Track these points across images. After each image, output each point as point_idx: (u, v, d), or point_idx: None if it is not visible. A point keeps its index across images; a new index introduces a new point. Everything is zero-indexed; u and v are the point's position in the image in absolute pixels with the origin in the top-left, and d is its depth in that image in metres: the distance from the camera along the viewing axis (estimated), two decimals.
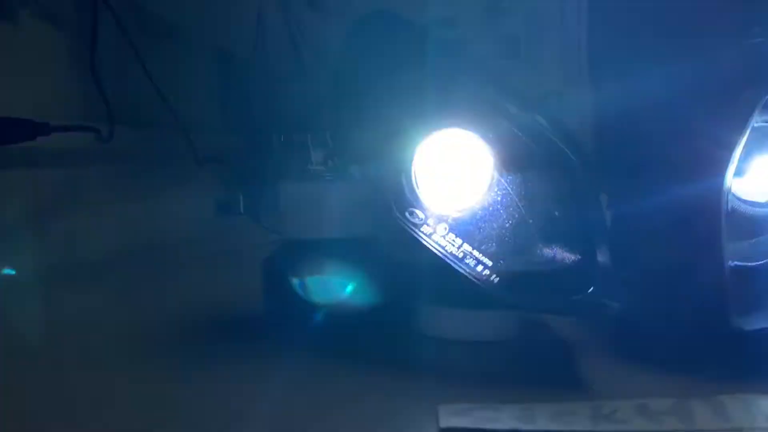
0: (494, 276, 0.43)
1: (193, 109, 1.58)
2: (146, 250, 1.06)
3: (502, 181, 0.47)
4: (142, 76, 1.17)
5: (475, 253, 0.44)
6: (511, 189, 0.46)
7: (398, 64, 0.55)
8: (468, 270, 0.43)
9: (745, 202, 0.51)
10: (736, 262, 0.47)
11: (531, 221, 0.45)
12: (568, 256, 0.44)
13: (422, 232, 0.45)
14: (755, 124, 0.50)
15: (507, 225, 0.45)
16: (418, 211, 0.47)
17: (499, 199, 0.46)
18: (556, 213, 0.45)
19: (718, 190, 0.46)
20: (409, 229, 0.46)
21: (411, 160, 0.50)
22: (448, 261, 0.44)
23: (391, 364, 0.48)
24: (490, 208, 0.46)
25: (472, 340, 0.50)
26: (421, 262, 0.47)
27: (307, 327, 0.56)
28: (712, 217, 0.46)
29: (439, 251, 0.44)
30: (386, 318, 0.55)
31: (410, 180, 0.49)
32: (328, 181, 0.57)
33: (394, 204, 0.47)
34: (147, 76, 1.18)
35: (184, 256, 1.03)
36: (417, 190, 0.48)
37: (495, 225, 0.45)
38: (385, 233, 0.51)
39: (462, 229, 0.45)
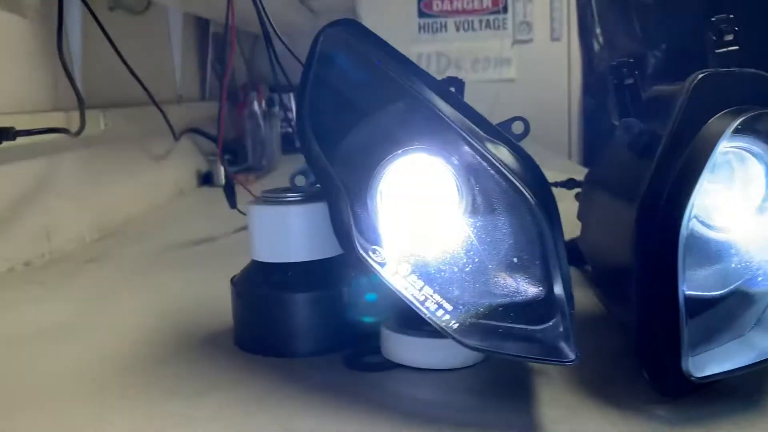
0: (453, 322, 0.43)
1: (167, 84, 1.56)
2: (122, 241, 1.06)
3: (465, 221, 0.48)
4: (113, 56, 1.15)
5: (436, 296, 0.44)
6: (473, 231, 0.47)
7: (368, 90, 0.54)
8: (428, 314, 0.44)
9: (708, 226, 0.51)
10: (692, 292, 0.48)
11: (490, 266, 0.45)
12: (526, 300, 0.45)
13: (385, 271, 0.46)
14: (722, 150, 0.50)
15: (467, 269, 0.45)
16: (380, 250, 0.47)
17: (460, 241, 0.46)
18: (515, 259, 0.45)
19: (677, 217, 0.46)
20: (372, 268, 0.46)
21: (375, 188, 0.50)
22: (409, 303, 0.44)
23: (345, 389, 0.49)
24: (452, 251, 0.46)
25: (436, 368, 0.51)
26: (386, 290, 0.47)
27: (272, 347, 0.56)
28: (670, 245, 0.45)
29: (401, 293, 0.45)
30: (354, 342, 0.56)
31: (373, 213, 0.49)
32: (296, 203, 0.57)
33: (357, 242, 0.47)
34: (118, 56, 1.15)
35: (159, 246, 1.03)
36: (378, 226, 0.48)
37: (456, 269, 0.45)
38: (351, 259, 0.51)
39: (424, 271, 0.45)
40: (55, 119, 0.96)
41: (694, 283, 0.49)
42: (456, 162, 0.51)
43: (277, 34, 1.19)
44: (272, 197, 0.58)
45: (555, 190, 0.90)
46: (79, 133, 0.94)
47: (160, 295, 0.77)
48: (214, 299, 0.69)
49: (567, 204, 0.83)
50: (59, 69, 0.98)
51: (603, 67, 2.41)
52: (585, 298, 0.65)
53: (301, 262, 0.57)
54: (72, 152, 1.05)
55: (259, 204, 0.58)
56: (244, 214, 0.62)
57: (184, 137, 1.58)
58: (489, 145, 0.49)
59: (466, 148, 0.49)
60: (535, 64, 2.40)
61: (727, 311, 0.48)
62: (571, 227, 0.63)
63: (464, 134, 0.48)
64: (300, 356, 0.56)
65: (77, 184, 1.08)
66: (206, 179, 1.70)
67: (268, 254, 0.57)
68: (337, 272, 0.57)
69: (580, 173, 0.82)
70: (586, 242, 0.62)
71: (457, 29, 2.42)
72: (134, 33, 1.34)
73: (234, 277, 0.60)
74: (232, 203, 1.04)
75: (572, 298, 0.49)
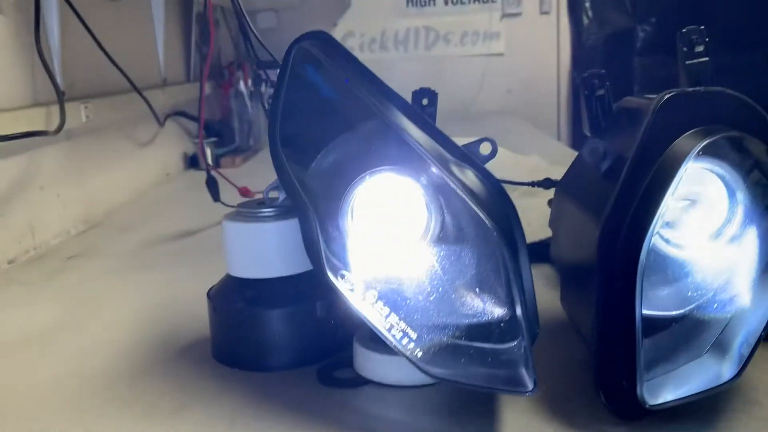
0: (418, 350, 0.45)
1: (151, 68, 1.54)
2: (105, 234, 1.06)
3: (431, 250, 0.49)
4: (94, 45, 1.14)
5: (402, 324, 0.46)
6: (438, 260, 0.48)
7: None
8: (394, 342, 0.45)
9: (671, 244, 0.52)
10: (651, 311, 0.49)
11: (455, 293, 0.46)
12: (493, 320, 0.46)
13: (353, 297, 0.47)
14: (688, 170, 0.51)
15: (432, 298, 0.46)
16: (348, 275, 0.48)
17: (426, 270, 0.47)
18: (481, 281, 0.46)
19: (639, 239, 0.46)
20: (339, 294, 0.47)
21: (345, 209, 0.51)
22: (375, 330, 0.46)
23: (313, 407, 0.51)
24: (418, 279, 0.47)
25: (405, 384, 0.52)
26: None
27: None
28: (631, 266, 0.46)
29: (368, 319, 0.46)
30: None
31: (344, 235, 0.50)
32: (270, 220, 0.58)
33: (326, 265, 0.48)
34: (97, 44, 1.14)
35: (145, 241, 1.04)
36: (348, 251, 0.49)
37: (421, 297, 0.47)
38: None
39: (390, 298, 0.47)
40: (35, 115, 0.96)
41: (655, 302, 0.50)
42: (425, 182, 0.51)
43: (242, 11, 1.17)
44: (246, 212, 0.59)
45: (532, 190, 0.91)
46: (59, 130, 0.94)
47: (141, 298, 0.78)
48: (196, 302, 0.70)
49: (544, 200, 0.84)
50: (38, 62, 0.98)
51: (592, 41, 2.39)
52: (558, 303, 0.66)
53: (276, 278, 0.58)
54: (54, 146, 1.05)
55: (234, 220, 0.58)
56: (228, 206, 0.63)
57: (169, 121, 1.57)
58: (454, 168, 0.50)
59: (433, 170, 0.50)
60: (524, 38, 2.39)
61: (686, 331, 0.50)
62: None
63: (429, 158, 0.49)
64: (275, 370, 0.57)
65: (60, 178, 1.08)
66: (193, 162, 1.70)
67: (243, 270, 0.58)
68: (312, 286, 0.58)
69: (567, 159, 0.83)
70: (555, 252, 0.63)
71: (446, 3, 2.39)
72: (115, 18, 1.32)
73: (211, 289, 0.61)
74: (215, 197, 1.05)
75: (537, 318, 0.51)
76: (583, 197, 0.58)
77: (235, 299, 0.58)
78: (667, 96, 0.53)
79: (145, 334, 0.67)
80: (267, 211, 0.58)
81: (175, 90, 1.61)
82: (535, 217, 0.84)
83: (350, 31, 2.39)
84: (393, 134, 0.51)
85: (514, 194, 1.03)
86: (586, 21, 2.36)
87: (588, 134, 0.67)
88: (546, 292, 0.68)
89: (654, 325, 0.50)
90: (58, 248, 1.02)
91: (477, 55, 2.38)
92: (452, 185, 0.47)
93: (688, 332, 0.49)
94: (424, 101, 0.64)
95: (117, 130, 1.33)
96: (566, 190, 0.63)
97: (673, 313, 0.50)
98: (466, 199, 0.47)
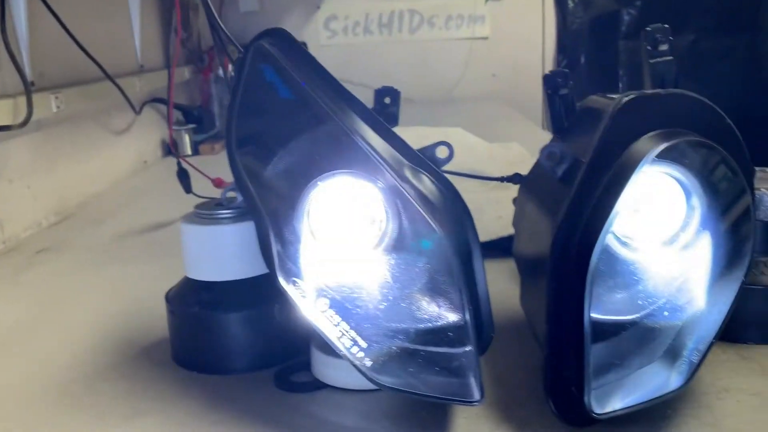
0: (368, 359, 0.44)
1: (127, 54, 1.52)
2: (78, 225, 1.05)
3: (384, 258, 0.48)
4: (63, 33, 1.12)
5: (352, 333, 0.45)
6: (392, 267, 0.47)
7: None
8: (344, 350, 0.45)
9: (628, 247, 0.52)
10: (605, 316, 0.49)
11: (405, 301, 0.46)
12: (446, 325, 0.46)
13: (304, 304, 0.46)
14: (646, 173, 0.51)
15: (384, 306, 0.46)
16: (301, 283, 0.47)
17: (378, 279, 0.47)
18: (432, 294, 0.46)
19: (591, 244, 0.46)
20: (291, 300, 0.47)
21: (301, 213, 0.50)
22: (325, 338, 0.45)
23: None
24: (371, 287, 0.47)
25: (361, 389, 0.52)
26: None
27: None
28: (584, 269, 0.46)
29: (318, 327, 0.46)
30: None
31: (298, 242, 0.49)
32: (227, 222, 0.57)
33: (280, 271, 0.48)
34: (65, 30, 1.12)
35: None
36: (301, 258, 0.48)
37: (373, 305, 0.46)
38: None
39: (342, 306, 0.46)
40: (2, 108, 0.94)
41: (609, 306, 0.50)
42: (382, 186, 0.51)
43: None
44: (203, 214, 0.58)
45: (502, 185, 0.91)
46: (24, 123, 0.93)
47: (107, 296, 0.78)
48: (162, 300, 0.69)
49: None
50: (4, 53, 0.96)
51: (578, 25, 2.37)
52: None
53: (233, 281, 0.57)
54: (23, 137, 1.03)
55: (190, 222, 0.58)
56: (200, 197, 0.62)
57: (148, 108, 1.56)
58: (408, 173, 0.50)
59: (387, 175, 0.49)
60: (509, 21, 2.37)
61: (639, 336, 0.50)
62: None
63: (381, 162, 0.48)
64: (233, 373, 0.57)
65: (31, 169, 1.07)
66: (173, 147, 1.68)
67: (200, 272, 0.58)
68: (269, 289, 0.57)
69: None
70: (516, 251, 0.63)
71: None
72: (88, 4, 1.30)
73: (169, 291, 0.61)
74: (187, 188, 1.04)
75: (491, 323, 0.51)
76: (542, 199, 0.57)
77: (192, 302, 0.58)
78: (625, 99, 0.52)
79: (108, 334, 0.67)
80: (224, 212, 0.58)
81: (153, 77, 1.58)
82: (507, 210, 0.84)
83: (333, 14, 2.36)
84: (347, 138, 0.51)
85: (488, 187, 1.03)
86: (571, 4, 2.34)
87: (551, 133, 0.67)
88: (512, 288, 0.68)
89: (608, 330, 0.49)
90: (28, 241, 1.01)
91: (461, 39, 2.36)
92: (402, 190, 0.47)
93: (641, 338, 0.49)
94: (387, 100, 0.63)
95: (91, 119, 1.31)
96: (528, 190, 0.63)
97: (628, 318, 0.50)
98: (415, 204, 0.46)
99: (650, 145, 0.49)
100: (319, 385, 0.54)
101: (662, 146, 0.48)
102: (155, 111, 1.64)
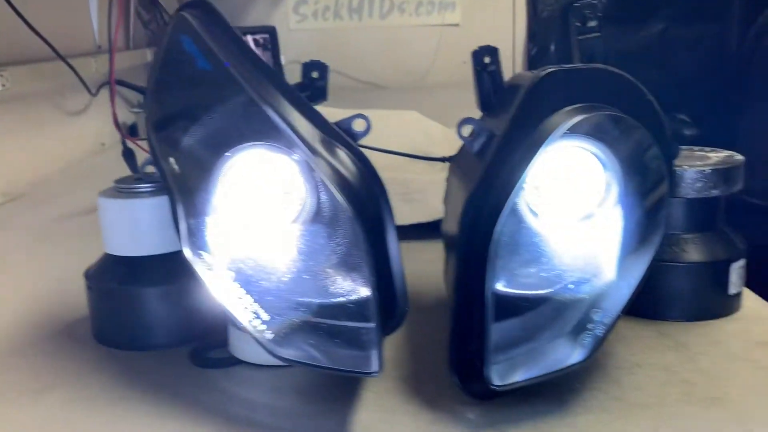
0: (269, 331, 0.44)
1: (84, 34, 1.50)
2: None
3: (299, 231, 0.48)
4: (9, 11, 1.10)
5: (255, 305, 0.45)
6: (305, 241, 0.47)
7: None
8: (245, 323, 0.44)
9: (540, 222, 0.51)
10: (516, 290, 0.48)
11: (320, 276, 0.45)
12: (356, 300, 0.45)
13: (208, 276, 0.46)
14: (564, 148, 0.50)
15: (291, 279, 0.45)
16: (206, 255, 0.47)
17: (291, 251, 0.46)
18: (346, 269, 0.45)
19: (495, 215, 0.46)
20: (196, 272, 0.46)
21: (213, 185, 0.50)
22: (227, 311, 0.45)
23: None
24: (279, 260, 0.46)
25: (275, 364, 0.51)
26: None
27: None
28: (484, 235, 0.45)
29: (221, 298, 0.45)
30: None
31: (207, 214, 0.49)
32: (144, 196, 0.56)
33: (186, 245, 0.47)
34: (10, 6, 1.10)
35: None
36: (208, 230, 0.47)
37: (275, 279, 0.46)
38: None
39: (246, 278, 0.46)
40: None
41: (522, 280, 0.50)
42: (298, 159, 0.50)
43: None
44: (122, 188, 0.57)
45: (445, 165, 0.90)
46: None
47: (40, 275, 0.76)
48: None
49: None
50: None
51: (548, 13, 2.37)
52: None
53: (151, 256, 0.56)
54: None
55: (107, 196, 0.57)
56: None
57: (106, 89, 1.53)
58: (321, 147, 0.49)
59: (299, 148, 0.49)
60: (479, 9, 2.36)
61: (552, 311, 0.49)
62: None
63: (291, 135, 0.47)
64: (152, 349, 0.56)
65: None
66: (132, 131, 1.66)
67: (118, 247, 0.57)
68: (188, 264, 0.57)
69: None
70: (443, 229, 0.63)
71: None
72: None
73: (89, 268, 0.60)
74: (133, 168, 1.03)
75: (405, 298, 0.50)
76: (463, 175, 0.57)
77: (109, 278, 0.57)
78: (543, 73, 0.52)
79: (34, 312, 0.66)
80: (142, 186, 0.57)
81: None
82: None
83: None
84: (259, 109, 0.50)
85: (435, 169, 1.02)
86: None
87: (479, 110, 0.66)
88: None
89: (521, 304, 0.49)
90: None
91: (432, 26, 2.35)
92: (312, 164, 0.46)
93: (553, 312, 0.49)
94: (314, 74, 0.63)
95: (43, 99, 1.29)
96: (455, 168, 0.63)
97: (541, 292, 0.50)
98: (324, 178, 0.46)
99: (565, 119, 0.49)
100: (234, 362, 0.53)
101: (574, 119, 0.48)
102: (115, 93, 1.61)
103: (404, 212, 0.87)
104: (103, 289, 0.57)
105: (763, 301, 0.62)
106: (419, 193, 0.94)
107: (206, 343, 0.56)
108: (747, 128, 1.36)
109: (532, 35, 2.49)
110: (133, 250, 0.56)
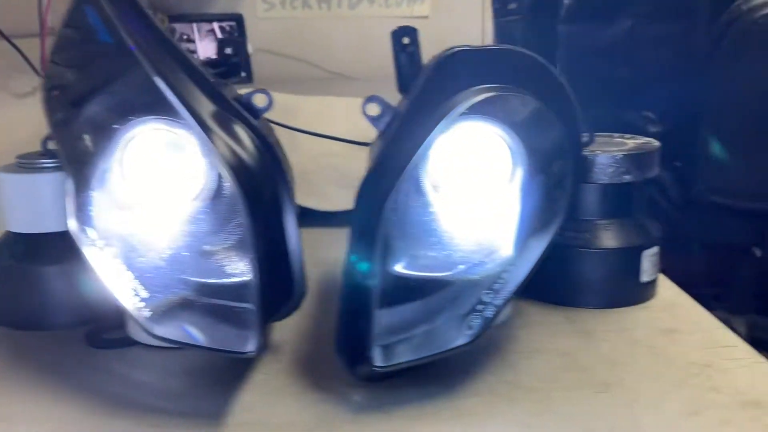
0: (147, 309, 0.43)
1: (29, 12, 1.46)
2: None
3: (193, 210, 0.46)
4: None
5: (135, 282, 0.43)
6: (194, 221, 0.45)
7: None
8: (124, 300, 0.43)
9: (441, 203, 0.50)
10: (416, 272, 0.48)
11: (187, 254, 0.44)
12: (233, 288, 0.44)
13: (90, 252, 0.44)
14: (468, 128, 0.49)
15: (165, 255, 0.44)
16: (90, 231, 0.45)
17: (178, 228, 0.45)
18: (207, 247, 0.44)
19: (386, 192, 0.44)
20: (78, 246, 0.45)
21: (106, 159, 0.48)
22: (107, 287, 0.43)
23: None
24: (161, 238, 0.45)
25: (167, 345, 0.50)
26: None
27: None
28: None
29: (102, 275, 0.44)
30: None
31: (96, 188, 0.47)
32: (45, 171, 0.55)
33: (72, 220, 0.46)
34: None
35: None
36: (93, 205, 0.46)
37: (159, 256, 0.44)
38: None
39: (128, 255, 0.44)
40: None
41: (423, 262, 0.49)
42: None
43: None
44: (22, 163, 0.56)
45: None
46: None
47: None
48: None
49: None
50: None
51: (517, 8, 2.37)
52: None
53: (51, 233, 0.55)
54: None
55: (6, 171, 0.55)
56: None
57: None
58: (214, 123, 0.48)
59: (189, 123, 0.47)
60: (448, 2, 2.34)
61: (452, 292, 0.49)
62: None
63: (181, 110, 0.46)
64: (49, 329, 0.55)
65: None
66: None
67: (17, 224, 0.55)
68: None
69: None
70: None
71: None
72: None
73: None
74: None
75: (303, 279, 0.49)
76: (373, 155, 0.56)
77: (6, 255, 0.55)
78: (448, 52, 0.51)
79: None
80: (44, 161, 0.55)
81: None
82: None
83: None
84: (152, 83, 0.48)
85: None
86: None
87: (398, 92, 0.65)
88: None
89: (423, 286, 0.48)
90: None
91: (400, 17, 2.33)
92: (197, 137, 0.45)
93: (452, 294, 0.48)
94: (228, 50, 0.61)
95: None
96: (371, 149, 0.62)
97: (442, 274, 0.49)
98: (211, 152, 0.44)
99: (467, 98, 0.48)
100: (130, 342, 0.52)
101: (475, 99, 0.47)
102: None
103: (339, 197, 0.87)
104: (0, 266, 0.55)
105: (679, 290, 0.61)
106: (357, 180, 0.93)
107: (104, 324, 0.54)
108: (709, 125, 1.37)
109: (500, 30, 2.49)
110: (31, 227, 0.55)
